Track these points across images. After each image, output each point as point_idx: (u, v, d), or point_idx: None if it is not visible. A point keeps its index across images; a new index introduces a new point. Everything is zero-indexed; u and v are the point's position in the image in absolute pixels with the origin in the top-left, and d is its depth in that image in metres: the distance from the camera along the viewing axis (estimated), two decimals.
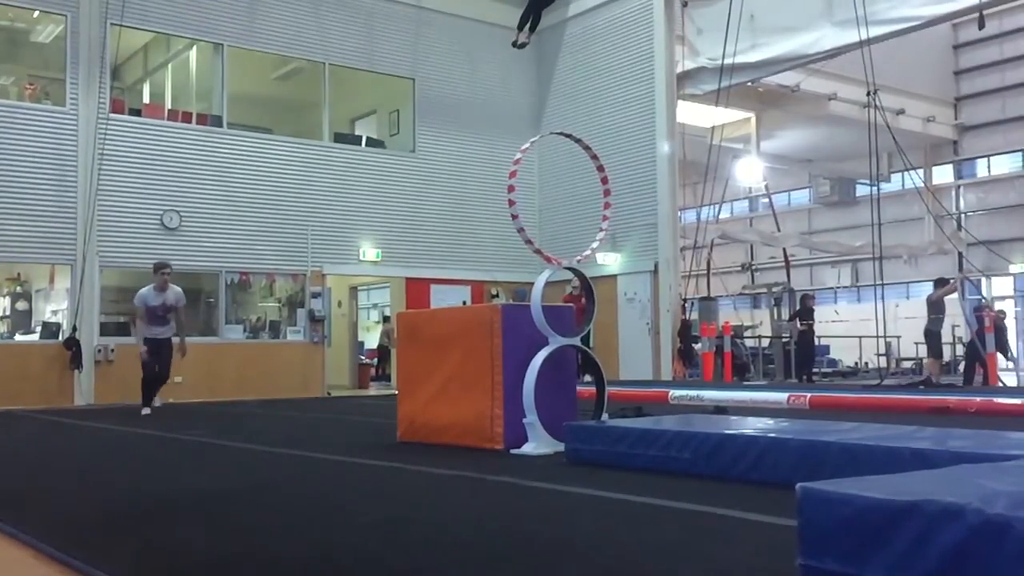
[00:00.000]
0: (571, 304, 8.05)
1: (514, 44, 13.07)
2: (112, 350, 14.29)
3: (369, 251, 16.92)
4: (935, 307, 14.05)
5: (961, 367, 16.17)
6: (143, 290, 10.61)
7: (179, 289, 10.78)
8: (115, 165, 14.42)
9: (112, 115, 14.50)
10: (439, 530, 3.51)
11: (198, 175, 15.25)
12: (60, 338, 14.17)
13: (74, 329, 13.96)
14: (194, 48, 16.38)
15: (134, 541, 3.43)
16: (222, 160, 15.55)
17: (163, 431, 8.52)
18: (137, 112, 15.59)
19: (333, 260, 16.62)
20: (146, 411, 10.70)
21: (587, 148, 6.77)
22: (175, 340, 10.81)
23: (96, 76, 14.39)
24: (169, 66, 17.24)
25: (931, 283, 15.16)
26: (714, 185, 15.74)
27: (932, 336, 14.17)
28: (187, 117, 15.76)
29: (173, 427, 8.89)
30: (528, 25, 12.65)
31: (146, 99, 17.32)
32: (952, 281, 14.49)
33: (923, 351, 16.25)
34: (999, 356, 14.48)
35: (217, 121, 15.79)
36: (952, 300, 14.87)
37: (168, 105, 16.50)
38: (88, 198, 14.07)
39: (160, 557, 3.14)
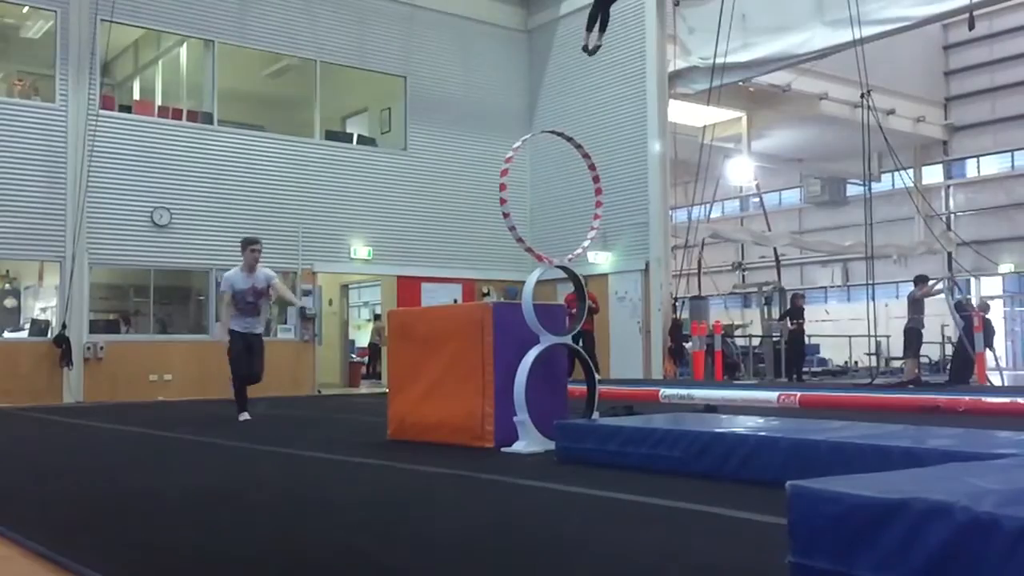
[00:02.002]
0: (572, 303, 8.04)
1: (584, 49, 12.20)
2: (102, 348, 14.24)
3: (360, 249, 16.89)
4: (916, 306, 14.09)
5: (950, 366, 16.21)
6: (230, 272, 9.09)
7: (269, 271, 9.20)
8: (105, 162, 14.35)
9: (102, 111, 14.44)
10: (429, 528, 3.51)
11: (188, 172, 15.20)
12: (49, 335, 14.11)
13: (63, 326, 13.90)
14: (184, 45, 16.32)
15: (123, 538, 3.42)
16: (212, 157, 15.49)
17: (152, 429, 8.49)
18: (127, 109, 15.52)
19: (324, 258, 16.58)
20: (244, 416, 8.98)
21: (578, 147, 6.77)
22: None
23: (86, 72, 14.32)
24: (159, 62, 17.18)
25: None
26: (705, 184, 15.77)
27: (913, 334, 14.19)
28: (177, 114, 15.70)
29: (164, 425, 8.86)
30: (598, 26, 11.85)
31: (136, 95, 17.26)
32: (932, 282, 14.53)
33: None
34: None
35: (208, 118, 15.73)
36: (936, 298, 14.91)
37: (158, 102, 16.44)
38: (78, 195, 14.01)
39: (150, 555, 3.13)
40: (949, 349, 18.17)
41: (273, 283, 9.01)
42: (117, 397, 13.87)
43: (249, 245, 9.00)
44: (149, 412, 10.76)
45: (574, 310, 7.55)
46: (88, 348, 14.14)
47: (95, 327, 14.51)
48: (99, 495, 4.58)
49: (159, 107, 15.99)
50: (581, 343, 12.76)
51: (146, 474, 5.46)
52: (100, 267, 14.75)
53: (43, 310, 15.44)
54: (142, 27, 15.73)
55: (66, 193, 14.07)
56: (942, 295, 15.05)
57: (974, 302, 17.11)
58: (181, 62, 16.62)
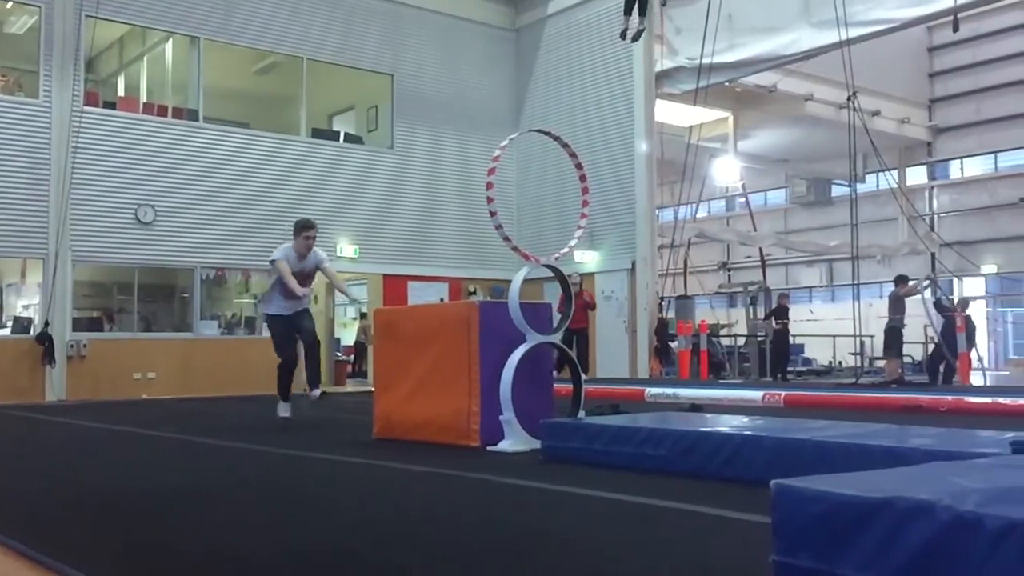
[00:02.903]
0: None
1: (623, 36, 11.74)
2: (85, 345, 14.14)
3: (347, 247, 16.84)
4: (897, 305, 14.17)
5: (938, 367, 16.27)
6: (283, 247, 8.11)
7: (321, 252, 8.25)
8: (89, 158, 14.26)
9: (86, 108, 14.33)
10: (416, 527, 3.51)
11: (173, 169, 15.11)
12: (32, 333, 14.00)
13: (46, 324, 13.79)
14: (170, 41, 16.22)
15: (109, 538, 3.40)
16: (198, 155, 15.41)
17: (138, 427, 8.45)
18: (112, 105, 15.42)
19: None
20: (285, 412, 8.37)
21: (566, 145, 6.78)
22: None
23: (70, 68, 14.22)
24: (145, 59, 17.07)
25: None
26: (691, 184, 15.81)
27: (894, 334, 14.27)
28: (162, 111, 15.62)
29: (148, 423, 8.81)
30: (636, 9, 11.36)
31: (121, 92, 17.15)
32: (914, 283, 14.65)
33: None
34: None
35: (193, 115, 15.65)
36: (916, 299, 15.02)
37: (143, 98, 16.34)
38: (61, 191, 13.91)
39: (137, 554, 3.12)
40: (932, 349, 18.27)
41: (323, 265, 8.13)
42: (100, 395, 13.78)
43: (304, 231, 7.94)
44: (133, 410, 10.70)
45: None
46: (71, 346, 14.04)
47: (78, 325, 14.41)
48: (86, 495, 4.55)
49: (144, 104, 15.88)
50: (575, 341, 12.80)
51: (132, 473, 5.43)
52: (83, 264, 14.66)
53: (25, 307, 15.31)
54: (127, 23, 15.63)
55: (49, 190, 13.96)
56: (918, 295, 15.13)
57: (954, 301, 17.20)
58: (166, 59, 16.51)
